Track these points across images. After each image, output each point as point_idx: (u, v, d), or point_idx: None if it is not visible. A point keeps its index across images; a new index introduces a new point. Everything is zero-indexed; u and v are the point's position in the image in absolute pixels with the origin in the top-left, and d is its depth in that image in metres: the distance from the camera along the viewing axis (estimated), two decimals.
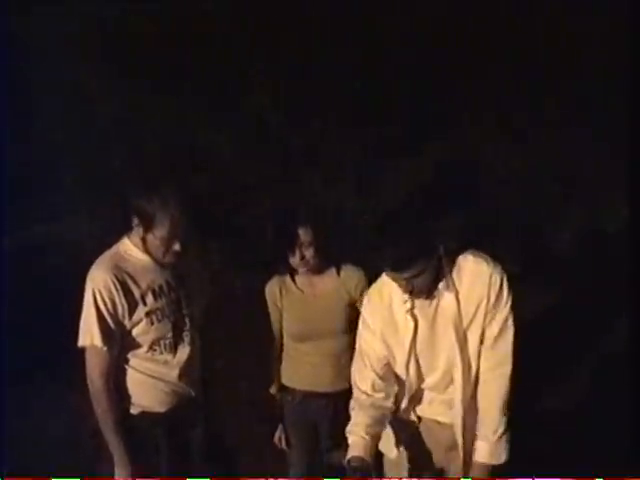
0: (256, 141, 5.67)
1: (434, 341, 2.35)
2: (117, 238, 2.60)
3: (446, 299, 2.31)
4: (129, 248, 2.54)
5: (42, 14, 5.61)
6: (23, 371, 1.81)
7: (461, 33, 5.52)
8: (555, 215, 5.28)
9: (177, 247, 2.46)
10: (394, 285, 2.33)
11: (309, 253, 2.72)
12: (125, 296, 2.43)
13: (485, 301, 2.28)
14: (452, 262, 2.34)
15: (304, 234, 2.69)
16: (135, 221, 2.47)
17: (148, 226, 2.44)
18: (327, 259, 2.81)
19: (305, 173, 5.53)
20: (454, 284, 2.31)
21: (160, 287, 2.52)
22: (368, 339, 2.44)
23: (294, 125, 5.63)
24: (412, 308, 2.33)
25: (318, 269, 2.81)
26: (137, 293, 2.46)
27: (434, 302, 2.33)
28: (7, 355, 2.86)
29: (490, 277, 2.29)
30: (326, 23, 5.66)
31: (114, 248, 2.55)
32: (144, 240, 2.48)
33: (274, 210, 4.72)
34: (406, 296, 2.32)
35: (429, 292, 2.31)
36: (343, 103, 5.50)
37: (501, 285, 2.29)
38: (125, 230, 2.59)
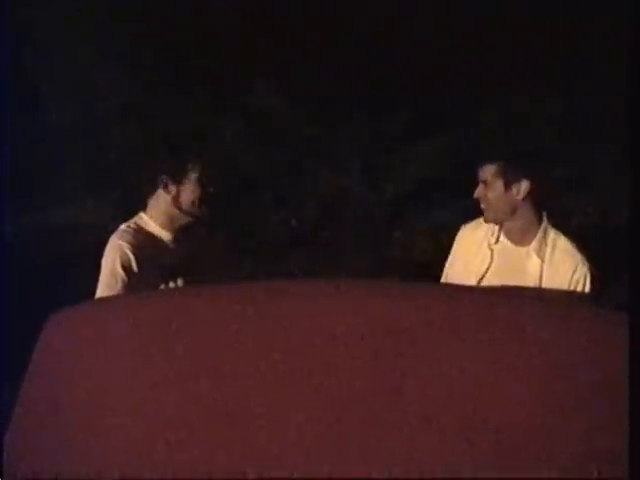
0: (260, 131, 5.69)
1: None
2: (120, 224, 2.62)
3: (533, 262, 2.47)
4: (146, 223, 2.58)
5: (44, 12, 5.61)
6: (23, 360, 1.81)
7: (465, 27, 5.54)
8: (555, 213, 5.28)
9: (211, 189, 2.54)
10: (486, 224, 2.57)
11: None
12: (138, 265, 2.46)
13: (565, 287, 2.42)
14: (545, 230, 2.50)
15: None
16: (163, 182, 2.52)
17: (182, 173, 2.51)
18: None
19: (310, 163, 5.55)
20: (544, 253, 2.46)
21: (170, 268, 2.55)
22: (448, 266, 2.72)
23: (299, 115, 5.64)
24: (495, 242, 2.54)
25: None
26: (150, 269, 2.49)
27: (521, 257, 2.49)
28: (7, 346, 2.87)
29: (580, 269, 2.43)
30: (332, 17, 5.66)
31: (131, 223, 2.59)
32: (176, 197, 2.53)
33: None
34: (495, 229, 2.53)
35: (496, 215, 2.49)
36: (347, 93, 5.50)
37: (583, 279, 2.43)
38: (128, 215, 2.63)
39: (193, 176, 2.55)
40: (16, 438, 1.63)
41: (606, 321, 1.59)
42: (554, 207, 3.07)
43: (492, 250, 2.56)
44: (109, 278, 2.47)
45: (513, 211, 2.47)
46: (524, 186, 2.43)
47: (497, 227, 2.56)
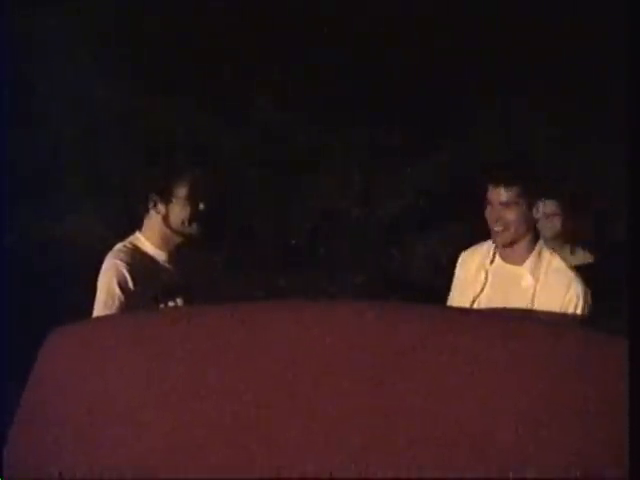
0: (260, 146, 5.68)
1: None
2: (119, 238, 2.63)
3: (527, 282, 2.47)
4: (142, 243, 2.57)
5: (44, 15, 5.60)
6: (23, 368, 1.82)
7: (462, 40, 5.53)
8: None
9: (202, 206, 2.51)
10: (484, 248, 2.57)
11: None
12: (135, 285, 2.45)
13: (558, 307, 2.42)
14: (540, 249, 2.53)
15: None
16: (153, 201, 2.51)
17: (169, 192, 2.49)
18: None
19: (308, 179, 5.55)
20: (539, 273, 2.47)
21: (166, 287, 2.54)
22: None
23: (298, 129, 5.64)
24: (490, 263, 2.56)
25: None
26: (146, 288, 2.49)
27: (516, 277, 2.50)
28: (7, 354, 2.87)
29: (573, 289, 2.43)
30: (332, 26, 5.66)
31: (127, 242, 2.58)
32: (166, 216, 2.51)
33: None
34: (491, 252, 2.55)
35: (510, 238, 2.46)
36: (347, 108, 5.50)
37: (577, 300, 2.43)
38: (129, 229, 2.63)
39: (182, 194, 2.51)
40: (16, 452, 1.65)
41: (598, 343, 1.61)
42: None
43: (487, 271, 2.57)
44: (106, 297, 2.46)
45: (530, 231, 2.50)
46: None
47: (492, 249, 2.58)
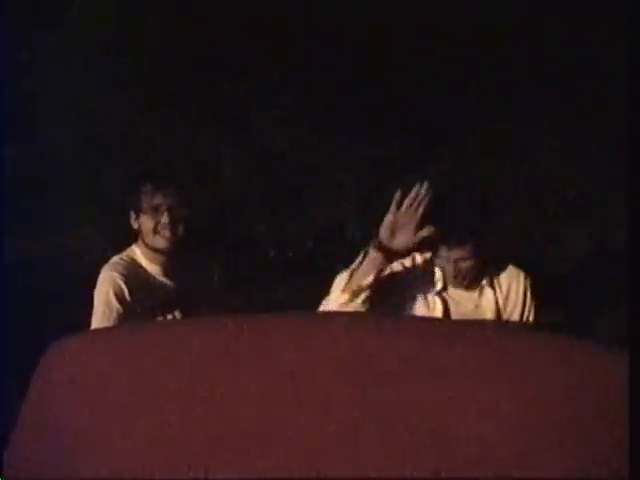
0: (260, 156, 5.69)
1: None
2: (117, 251, 2.63)
3: (488, 293, 2.51)
4: (137, 256, 2.58)
5: (43, 25, 5.60)
6: (24, 380, 1.82)
7: (462, 50, 5.53)
8: (555, 233, 5.32)
9: (165, 219, 2.47)
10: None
11: None
12: (132, 296, 2.46)
13: (520, 307, 2.51)
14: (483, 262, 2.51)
15: None
16: (132, 216, 2.52)
17: (137, 203, 2.50)
18: None
19: (309, 188, 5.55)
20: (493, 283, 2.53)
21: (163, 300, 2.54)
22: None
23: (298, 139, 5.64)
24: (443, 291, 2.49)
25: None
26: (143, 300, 2.49)
27: (474, 296, 2.52)
28: (7, 366, 2.87)
29: (524, 283, 2.53)
30: (331, 36, 5.67)
31: (124, 255, 2.59)
32: (139, 229, 2.50)
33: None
34: (439, 276, 2.48)
35: (470, 282, 2.48)
36: (347, 117, 5.51)
37: (529, 293, 2.54)
38: (127, 241, 2.63)
39: (146, 206, 2.51)
40: (17, 455, 1.66)
41: (598, 353, 1.62)
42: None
43: (443, 298, 2.56)
44: (104, 309, 2.46)
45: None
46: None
47: (441, 278, 2.54)
